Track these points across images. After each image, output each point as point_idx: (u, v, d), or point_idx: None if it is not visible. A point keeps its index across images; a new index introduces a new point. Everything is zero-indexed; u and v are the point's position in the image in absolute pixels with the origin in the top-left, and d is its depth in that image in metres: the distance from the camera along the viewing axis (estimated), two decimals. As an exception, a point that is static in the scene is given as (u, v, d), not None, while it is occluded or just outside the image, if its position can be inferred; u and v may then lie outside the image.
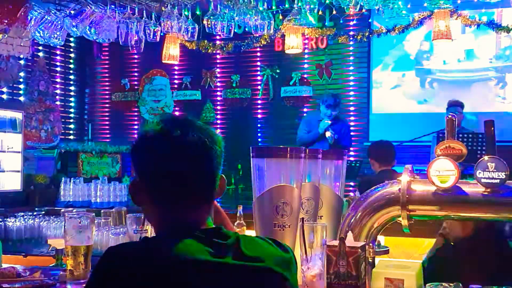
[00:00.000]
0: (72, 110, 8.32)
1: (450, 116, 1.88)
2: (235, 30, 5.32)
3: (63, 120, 7.74)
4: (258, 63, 7.69)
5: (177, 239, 1.20)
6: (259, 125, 7.76)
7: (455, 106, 5.67)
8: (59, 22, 5.00)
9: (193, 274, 1.14)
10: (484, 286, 1.59)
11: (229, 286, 1.18)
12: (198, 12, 5.63)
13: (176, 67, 7.85)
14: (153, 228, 1.35)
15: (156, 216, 1.31)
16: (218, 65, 7.89)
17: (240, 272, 1.19)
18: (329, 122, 6.00)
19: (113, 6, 5.09)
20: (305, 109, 7.44)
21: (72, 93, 8.32)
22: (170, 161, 1.26)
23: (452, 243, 2.20)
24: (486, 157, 1.79)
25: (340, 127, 6.14)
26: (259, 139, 7.72)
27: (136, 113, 8.25)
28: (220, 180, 1.32)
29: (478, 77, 6.83)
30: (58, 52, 7.91)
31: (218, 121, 7.86)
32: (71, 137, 8.17)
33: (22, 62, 6.92)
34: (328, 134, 5.98)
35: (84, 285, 1.21)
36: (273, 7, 6.05)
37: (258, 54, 7.62)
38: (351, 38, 5.97)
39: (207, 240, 1.21)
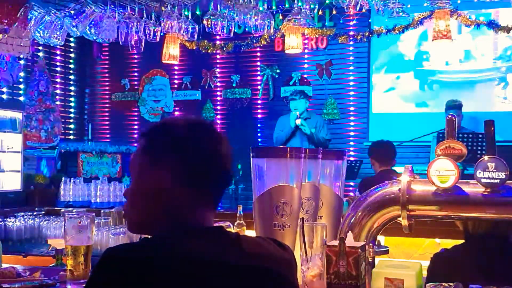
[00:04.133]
0: (72, 110, 8.32)
1: (450, 116, 1.88)
2: (235, 30, 5.32)
3: (63, 120, 7.74)
4: (258, 63, 7.69)
5: (177, 239, 1.20)
6: (259, 125, 7.75)
7: (454, 108, 5.68)
8: (59, 22, 5.00)
9: (194, 274, 1.14)
10: (484, 286, 1.59)
11: (230, 286, 1.18)
12: (198, 12, 5.62)
13: (176, 67, 7.84)
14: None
15: (162, 216, 1.30)
16: (218, 65, 7.89)
17: (242, 272, 1.19)
18: (297, 113, 6.06)
19: (113, 6, 5.09)
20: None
21: (72, 93, 8.32)
22: (213, 165, 1.28)
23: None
24: (486, 157, 1.79)
25: (315, 121, 6.20)
26: (259, 139, 7.72)
27: (136, 113, 8.24)
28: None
29: (480, 77, 6.83)
30: (58, 52, 7.90)
31: (218, 121, 7.86)
32: (71, 137, 8.17)
33: (22, 62, 6.92)
34: (298, 121, 6.04)
35: (84, 285, 1.20)
36: (273, 7, 6.06)
37: (258, 54, 7.62)
38: (351, 38, 5.97)
39: (208, 239, 1.21)
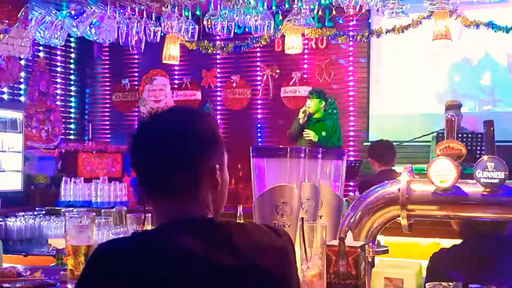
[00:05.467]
0: (72, 110, 8.32)
1: (449, 116, 1.89)
2: (235, 30, 5.33)
3: (63, 120, 7.75)
4: (258, 63, 7.70)
5: (166, 233, 1.20)
6: (259, 125, 7.76)
7: (453, 108, 5.68)
8: (59, 23, 5.01)
9: (182, 270, 1.14)
10: (484, 285, 1.60)
11: (221, 282, 1.18)
12: (198, 13, 5.63)
13: (176, 67, 7.85)
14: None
15: (153, 210, 1.31)
16: (218, 65, 7.89)
17: (233, 270, 1.19)
18: (307, 110, 6.00)
19: (113, 7, 5.10)
20: (305, 109, 7.43)
21: (72, 93, 8.32)
22: (145, 150, 1.27)
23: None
24: (485, 157, 1.79)
25: (328, 124, 6.10)
26: (259, 139, 7.72)
27: (136, 113, 8.24)
28: (211, 170, 1.27)
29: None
30: (58, 52, 7.91)
31: (218, 121, 7.86)
32: (72, 137, 8.17)
33: (22, 62, 6.92)
34: (301, 120, 5.97)
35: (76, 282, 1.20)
36: (273, 7, 6.06)
37: (258, 54, 7.62)
38: (351, 38, 5.98)
39: (197, 233, 1.20)
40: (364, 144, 6.91)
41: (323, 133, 5.98)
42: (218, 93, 7.88)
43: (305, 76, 7.48)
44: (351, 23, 7.00)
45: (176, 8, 5.15)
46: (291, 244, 1.35)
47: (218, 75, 7.90)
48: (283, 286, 1.28)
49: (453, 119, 1.89)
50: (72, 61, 8.28)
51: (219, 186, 1.29)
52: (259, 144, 7.53)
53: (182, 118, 1.29)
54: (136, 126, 1.32)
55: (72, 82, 8.30)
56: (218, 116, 7.89)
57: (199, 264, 1.16)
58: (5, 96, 6.88)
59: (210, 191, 1.28)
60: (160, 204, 1.28)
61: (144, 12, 5.26)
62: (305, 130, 5.99)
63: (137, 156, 1.28)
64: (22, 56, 6.39)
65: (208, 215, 1.28)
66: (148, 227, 1.82)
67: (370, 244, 1.87)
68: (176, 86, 8.05)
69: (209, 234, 1.21)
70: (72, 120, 8.28)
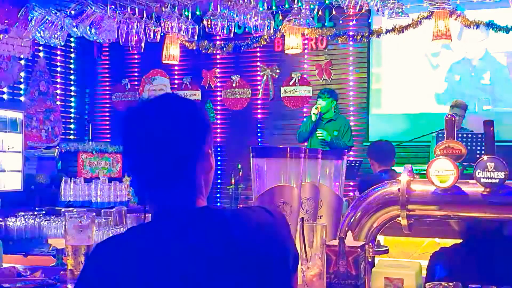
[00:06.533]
0: (72, 110, 8.32)
1: (449, 116, 1.89)
2: (235, 30, 5.33)
3: (63, 120, 7.75)
4: (258, 63, 7.70)
5: (163, 225, 1.20)
6: (259, 125, 7.76)
7: (458, 107, 5.68)
8: (59, 23, 5.01)
9: (181, 261, 1.14)
10: (484, 286, 1.60)
11: (220, 272, 1.18)
12: (198, 13, 5.63)
13: (176, 67, 7.85)
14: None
15: (148, 197, 1.31)
16: (218, 65, 7.89)
17: (231, 260, 1.19)
18: (319, 108, 6.08)
19: (113, 7, 5.10)
20: (304, 109, 7.44)
21: (72, 93, 8.32)
22: (145, 137, 1.25)
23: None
24: (485, 157, 1.79)
25: (339, 124, 6.16)
26: (259, 139, 7.72)
27: (136, 113, 8.23)
28: (205, 156, 1.28)
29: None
30: (58, 52, 7.91)
31: (218, 121, 7.86)
32: (72, 137, 8.17)
33: (22, 62, 6.92)
34: (313, 117, 6.04)
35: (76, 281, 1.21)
36: (273, 7, 6.07)
37: (258, 54, 7.62)
38: (350, 38, 5.99)
39: (194, 223, 1.21)
40: (364, 144, 6.91)
41: (335, 133, 6.03)
42: (218, 93, 7.88)
43: (305, 76, 7.48)
44: (351, 23, 7.00)
45: (176, 8, 5.15)
46: (286, 224, 1.35)
47: (218, 75, 7.90)
48: (281, 267, 1.28)
49: (453, 119, 1.88)
50: (72, 61, 8.28)
51: (211, 171, 1.32)
52: (259, 144, 7.53)
53: (180, 104, 1.29)
54: (130, 112, 1.29)
55: (72, 82, 8.31)
56: (218, 116, 7.90)
57: (198, 255, 1.16)
58: (5, 96, 6.88)
59: (203, 176, 1.30)
60: (157, 191, 1.27)
61: (144, 12, 5.26)
62: (317, 129, 6.03)
63: (136, 144, 1.27)
64: (22, 56, 6.39)
65: (201, 200, 1.29)
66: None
67: (370, 244, 1.87)
68: (176, 86, 8.05)
69: (206, 223, 1.22)
70: (72, 120, 8.28)
